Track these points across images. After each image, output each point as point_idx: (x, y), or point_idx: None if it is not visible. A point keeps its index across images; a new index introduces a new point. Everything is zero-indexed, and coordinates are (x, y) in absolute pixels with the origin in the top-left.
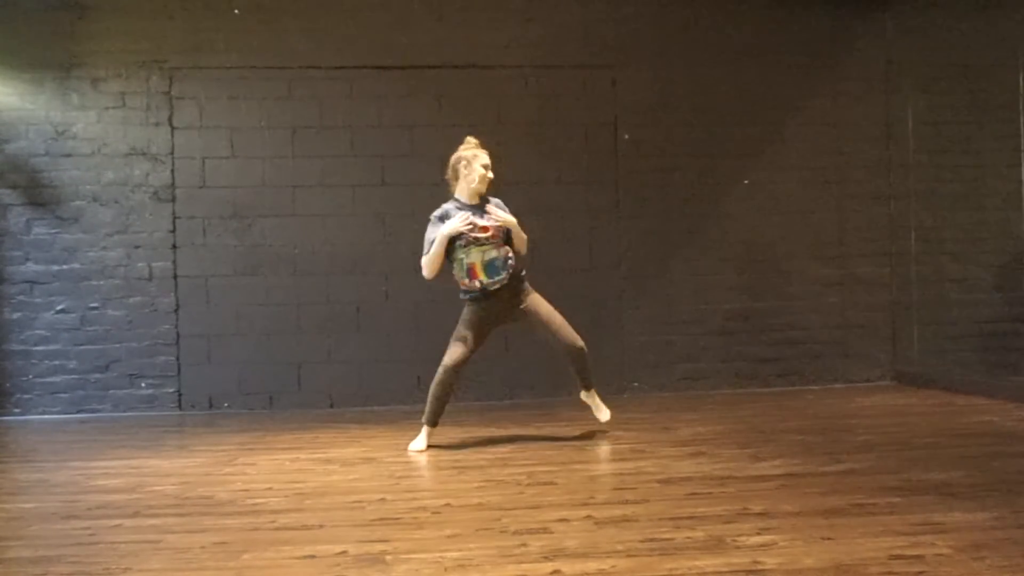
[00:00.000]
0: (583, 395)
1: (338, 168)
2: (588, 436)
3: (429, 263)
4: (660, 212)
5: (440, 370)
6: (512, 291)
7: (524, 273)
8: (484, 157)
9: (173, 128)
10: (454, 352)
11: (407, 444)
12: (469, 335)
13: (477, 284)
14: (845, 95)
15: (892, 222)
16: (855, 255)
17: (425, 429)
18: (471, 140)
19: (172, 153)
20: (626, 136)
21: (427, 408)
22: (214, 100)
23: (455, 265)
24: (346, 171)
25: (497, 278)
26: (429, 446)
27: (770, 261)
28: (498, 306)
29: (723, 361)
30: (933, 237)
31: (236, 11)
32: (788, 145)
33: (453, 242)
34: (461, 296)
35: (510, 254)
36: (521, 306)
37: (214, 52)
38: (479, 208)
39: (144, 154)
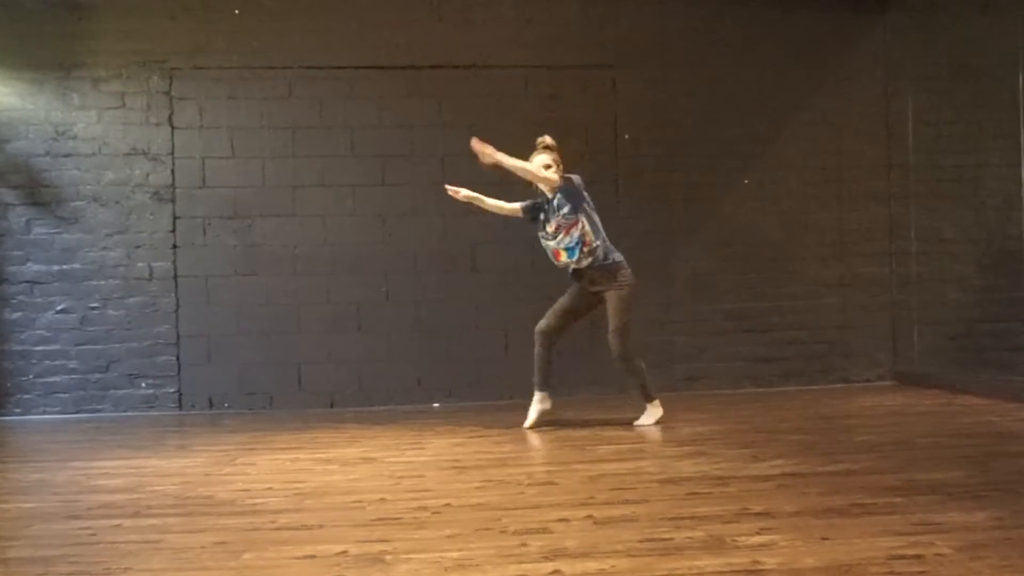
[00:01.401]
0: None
1: (338, 168)
2: (588, 436)
3: (525, 169)
4: (660, 212)
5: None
6: (591, 276)
7: (610, 262)
8: (541, 157)
9: (173, 128)
10: (543, 319)
11: (407, 444)
12: (559, 303)
13: (563, 262)
14: (845, 95)
15: (892, 222)
16: (855, 255)
17: (536, 394)
18: (541, 140)
19: (172, 153)
20: (626, 136)
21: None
22: (214, 100)
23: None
24: (346, 171)
25: (573, 259)
26: (534, 424)
27: (770, 261)
28: (583, 284)
29: (723, 361)
30: (933, 237)
31: (236, 11)
32: (788, 145)
33: (537, 228)
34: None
35: (584, 238)
36: (594, 293)
37: (214, 52)
38: (550, 202)
39: (144, 154)
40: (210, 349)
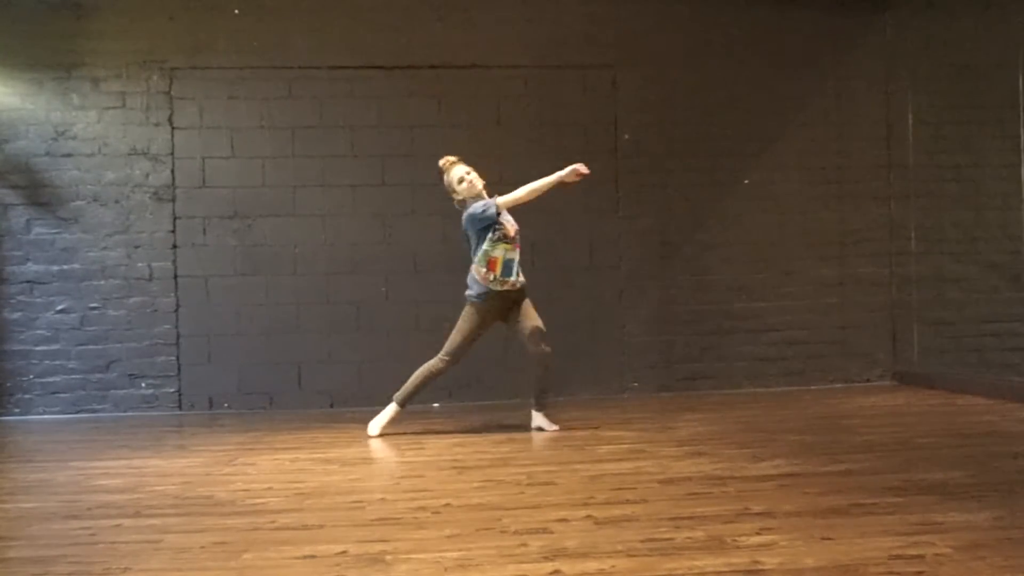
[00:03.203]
0: (533, 414)
1: (338, 168)
2: (588, 436)
3: (534, 193)
4: (660, 212)
5: (438, 362)
6: (515, 296)
7: (522, 284)
8: (460, 170)
9: (173, 128)
10: (456, 352)
11: (407, 444)
12: (468, 337)
13: (491, 277)
14: (845, 95)
15: (892, 222)
16: (855, 255)
17: (394, 407)
18: (448, 159)
19: (172, 153)
20: (626, 136)
21: (407, 390)
22: (214, 100)
23: (480, 255)
24: (346, 171)
25: (509, 278)
26: (383, 434)
27: (770, 261)
28: (499, 307)
29: (723, 361)
30: (933, 237)
31: (236, 11)
32: (788, 145)
33: (487, 233)
34: (469, 293)
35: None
36: (517, 309)
37: (214, 52)
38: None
39: (144, 154)
40: (210, 349)
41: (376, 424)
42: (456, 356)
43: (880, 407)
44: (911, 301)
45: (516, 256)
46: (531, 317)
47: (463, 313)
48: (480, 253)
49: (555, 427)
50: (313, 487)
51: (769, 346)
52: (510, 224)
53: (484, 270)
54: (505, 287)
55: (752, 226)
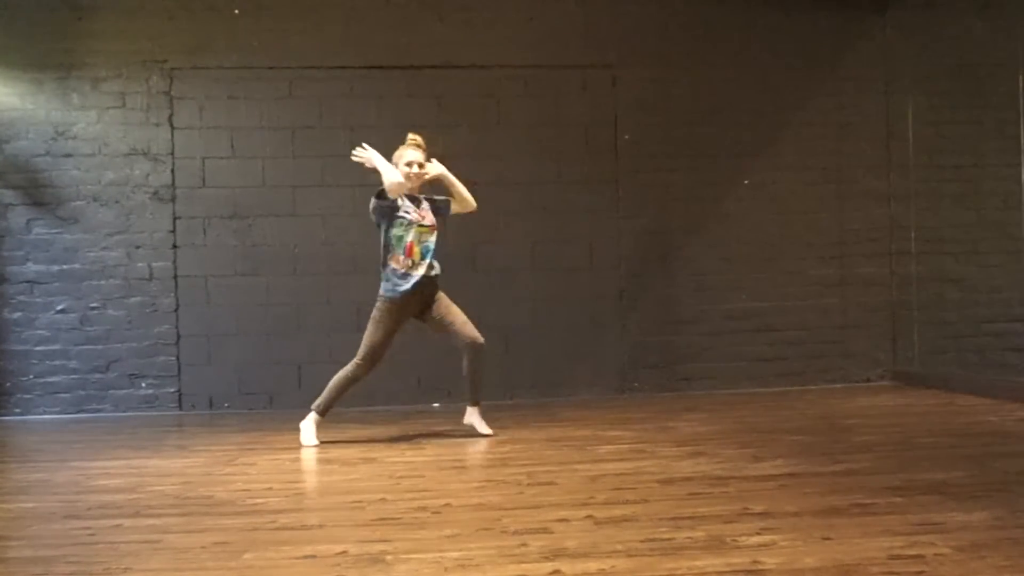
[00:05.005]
0: (468, 411)
1: (338, 168)
2: (588, 436)
3: (393, 177)
4: (660, 212)
5: (352, 368)
6: (429, 290)
7: (437, 274)
8: (411, 154)
9: (173, 128)
10: (370, 357)
11: (407, 444)
12: (381, 339)
13: (409, 263)
14: (845, 95)
15: (892, 222)
16: (855, 255)
17: (314, 416)
18: (411, 137)
19: (172, 153)
20: (626, 136)
21: (325, 397)
22: (214, 100)
23: (393, 241)
24: (346, 171)
25: (425, 262)
26: (321, 442)
27: (770, 261)
28: (412, 304)
29: (723, 361)
30: (933, 237)
31: (236, 11)
32: (788, 145)
33: (396, 219)
34: (382, 291)
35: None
36: (431, 304)
37: (214, 52)
38: (416, 201)
39: (144, 154)
40: (210, 349)
41: (308, 435)
42: (370, 365)
43: (880, 407)
44: (911, 301)
45: (433, 242)
46: (455, 311)
47: (373, 314)
48: (393, 239)
49: (489, 431)
50: (313, 487)
51: (769, 346)
52: (422, 214)
53: (400, 256)
54: (420, 277)
55: (752, 226)
